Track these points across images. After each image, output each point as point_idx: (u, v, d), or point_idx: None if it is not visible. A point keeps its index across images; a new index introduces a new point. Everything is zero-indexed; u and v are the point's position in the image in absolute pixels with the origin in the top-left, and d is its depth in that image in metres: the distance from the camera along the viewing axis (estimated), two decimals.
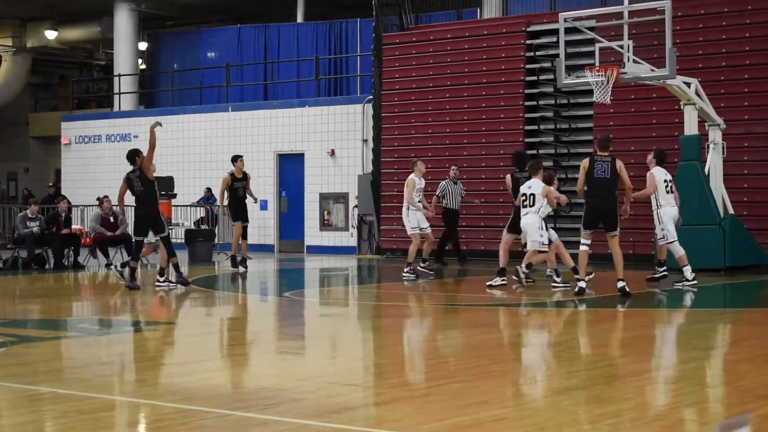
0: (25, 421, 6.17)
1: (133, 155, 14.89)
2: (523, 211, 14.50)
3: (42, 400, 6.80)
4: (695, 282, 14.75)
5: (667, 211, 15.11)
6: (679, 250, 14.93)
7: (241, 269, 18.58)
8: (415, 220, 16.80)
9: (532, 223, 14.36)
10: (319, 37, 29.21)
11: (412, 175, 16.79)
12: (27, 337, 10.32)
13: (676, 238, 15.02)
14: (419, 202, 16.75)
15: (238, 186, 18.56)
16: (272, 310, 13.89)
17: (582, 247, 13.71)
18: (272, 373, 7.98)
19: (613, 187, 13.61)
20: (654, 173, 15.18)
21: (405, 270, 16.81)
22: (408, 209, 16.82)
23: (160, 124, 15.25)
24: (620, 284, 13.35)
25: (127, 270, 15.01)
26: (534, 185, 14.41)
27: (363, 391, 7.28)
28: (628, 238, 18.45)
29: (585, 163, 13.72)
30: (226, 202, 18.60)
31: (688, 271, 14.80)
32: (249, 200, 18.68)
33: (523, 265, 14.49)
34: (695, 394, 7.04)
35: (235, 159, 18.84)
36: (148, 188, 14.79)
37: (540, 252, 14.43)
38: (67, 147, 30.55)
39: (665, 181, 15.11)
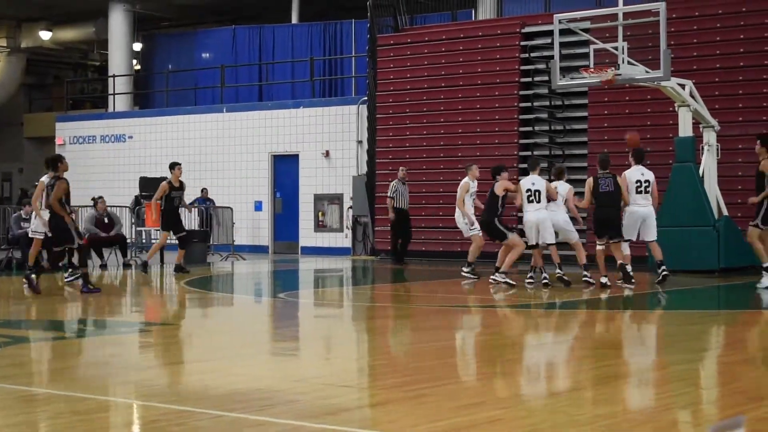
0: (20, 422, 6.15)
1: (56, 161, 14.23)
2: (530, 206, 14.63)
3: (36, 401, 6.79)
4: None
5: (632, 210, 14.99)
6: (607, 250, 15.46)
7: (176, 274, 17.98)
8: (470, 221, 16.78)
9: (545, 218, 14.59)
10: (313, 38, 29.20)
11: (466, 179, 16.58)
12: (21, 337, 10.30)
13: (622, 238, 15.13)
14: (473, 206, 16.69)
15: (174, 195, 18.27)
16: (266, 311, 13.88)
17: (598, 247, 14.77)
18: (267, 375, 7.97)
19: (618, 198, 14.51)
20: (626, 174, 15.11)
21: (465, 270, 16.64)
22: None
23: None
24: (603, 279, 14.36)
25: (80, 278, 14.73)
26: (537, 181, 14.77)
27: (358, 393, 7.28)
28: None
29: (590, 182, 14.70)
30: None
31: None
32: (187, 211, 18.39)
33: (583, 270, 14.83)
34: (689, 396, 7.05)
35: (173, 166, 18.44)
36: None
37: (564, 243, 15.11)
38: (62, 148, 30.48)
39: (638, 181, 15.00)
